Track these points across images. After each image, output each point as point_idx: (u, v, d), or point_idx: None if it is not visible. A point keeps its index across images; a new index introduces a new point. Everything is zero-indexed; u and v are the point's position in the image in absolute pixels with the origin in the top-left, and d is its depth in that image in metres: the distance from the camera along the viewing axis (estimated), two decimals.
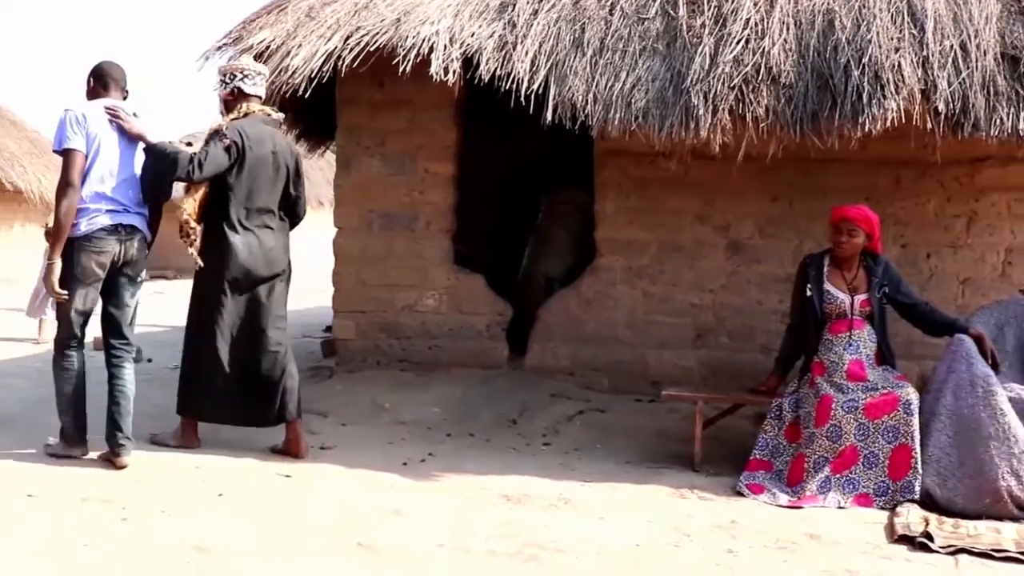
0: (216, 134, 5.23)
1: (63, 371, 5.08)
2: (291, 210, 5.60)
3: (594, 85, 5.90)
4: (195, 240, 5.19)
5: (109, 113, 5.02)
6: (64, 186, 4.87)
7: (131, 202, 5.07)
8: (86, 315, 5.06)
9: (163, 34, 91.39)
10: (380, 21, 6.29)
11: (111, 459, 5.05)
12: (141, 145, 5.14)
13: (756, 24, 5.89)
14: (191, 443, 5.43)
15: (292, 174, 5.51)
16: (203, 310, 5.35)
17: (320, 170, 25.38)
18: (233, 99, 5.44)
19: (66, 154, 4.89)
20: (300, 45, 6.31)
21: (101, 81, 5.20)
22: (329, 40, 6.29)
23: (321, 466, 5.25)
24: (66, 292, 4.89)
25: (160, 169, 5.10)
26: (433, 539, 4.09)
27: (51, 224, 4.94)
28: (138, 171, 5.12)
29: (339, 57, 6.23)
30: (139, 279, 5.19)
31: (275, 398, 5.38)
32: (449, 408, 6.53)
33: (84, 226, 4.90)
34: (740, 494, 4.96)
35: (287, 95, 6.40)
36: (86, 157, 4.91)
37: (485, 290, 7.30)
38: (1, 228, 17.39)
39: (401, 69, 6.04)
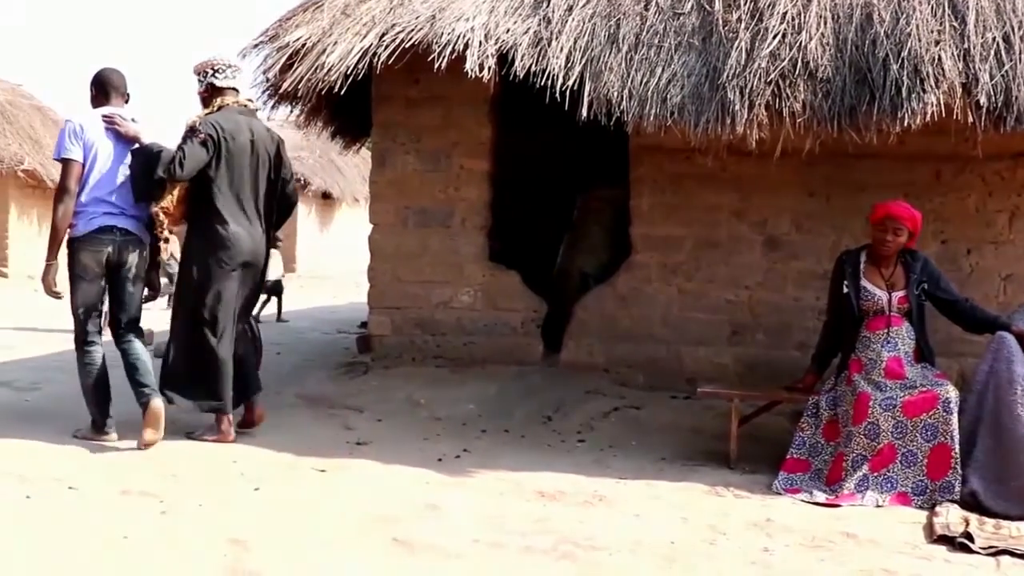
0: (191, 131, 5.34)
1: (85, 366, 5.38)
2: (281, 194, 5.74)
3: (629, 81, 5.88)
4: (164, 231, 5.43)
5: (106, 121, 5.30)
6: (61, 192, 5.22)
7: (127, 206, 5.34)
8: (91, 309, 5.33)
9: (200, 33, 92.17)
10: (415, 18, 6.30)
11: (144, 417, 5.25)
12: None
13: (793, 18, 5.84)
14: (226, 438, 5.53)
15: (273, 159, 5.62)
16: (193, 296, 5.47)
17: (355, 167, 25.55)
18: (208, 95, 5.58)
19: (64, 163, 5.24)
20: (336, 42, 6.34)
21: (102, 89, 5.47)
22: (365, 37, 6.31)
23: (356, 461, 5.27)
24: (60, 292, 5.31)
25: (146, 168, 5.28)
26: (468, 535, 4.10)
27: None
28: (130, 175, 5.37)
29: (375, 54, 6.25)
30: (139, 276, 5.41)
31: (250, 377, 5.72)
32: (484, 404, 6.54)
33: (82, 227, 5.23)
34: (776, 493, 4.93)
35: (323, 92, 6.44)
36: (83, 165, 5.22)
37: (520, 286, 7.30)
38: (45, 223, 17.65)
39: (436, 66, 6.05)
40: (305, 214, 24.95)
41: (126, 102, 5.53)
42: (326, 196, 25.27)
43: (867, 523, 4.47)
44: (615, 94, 5.85)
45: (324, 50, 6.34)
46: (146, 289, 5.55)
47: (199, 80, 5.63)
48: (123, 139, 5.33)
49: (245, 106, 5.63)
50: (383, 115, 7.43)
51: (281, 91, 6.85)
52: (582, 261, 7.97)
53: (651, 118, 5.77)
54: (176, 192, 5.38)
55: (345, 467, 5.16)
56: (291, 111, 8.02)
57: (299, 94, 6.64)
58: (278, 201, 5.74)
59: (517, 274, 7.34)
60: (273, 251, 14.80)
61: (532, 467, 5.26)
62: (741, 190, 6.94)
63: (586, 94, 5.87)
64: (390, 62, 6.23)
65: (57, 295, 5.34)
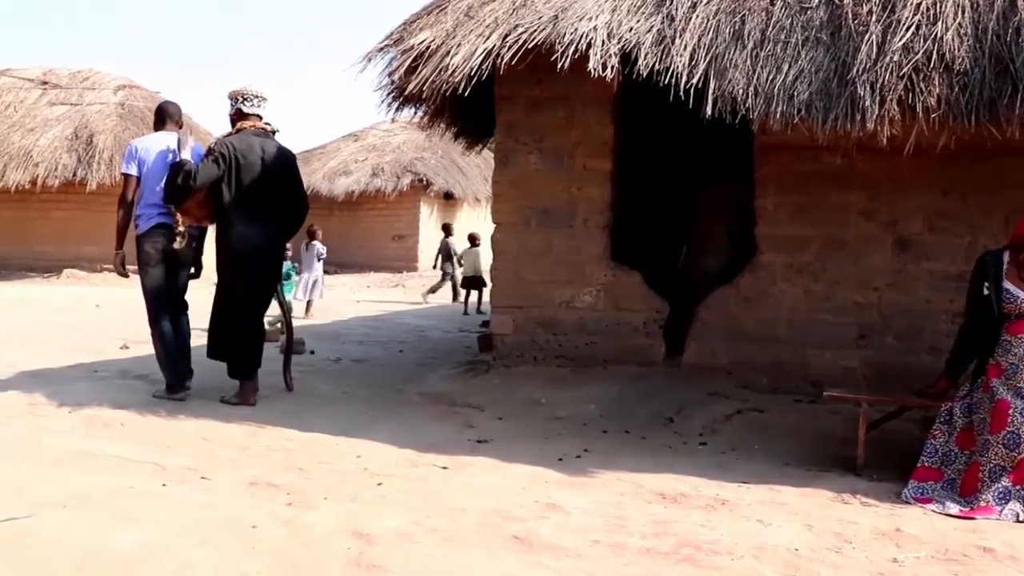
0: (209, 151, 6.56)
1: (158, 338, 6.61)
2: (295, 201, 6.77)
3: (755, 78, 5.78)
4: (179, 226, 6.57)
5: (172, 148, 6.55)
6: (120, 200, 6.66)
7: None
8: (159, 289, 6.58)
9: (327, 38, 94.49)
10: (538, 18, 6.33)
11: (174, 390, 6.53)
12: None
13: (927, 9, 5.63)
14: (247, 400, 6.47)
15: (285, 175, 6.68)
16: (218, 284, 6.64)
17: (477, 167, 25.81)
18: (236, 117, 6.69)
19: (124, 178, 6.72)
20: (460, 44, 6.41)
21: (160, 117, 6.95)
22: (488, 38, 6.37)
23: (477, 459, 5.33)
24: (128, 273, 6.68)
25: (174, 177, 6.44)
26: (587, 535, 4.10)
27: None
28: None
29: (498, 55, 6.29)
30: (187, 261, 6.71)
31: (255, 355, 6.65)
32: (605, 405, 6.53)
33: (143, 226, 6.58)
34: (906, 502, 4.76)
35: (447, 94, 6.52)
36: (139, 179, 6.59)
37: (642, 287, 7.25)
38: None
39: (559, 66, 6.05)
40: (427, 214, 25.33)
41: (179, 127, 6.87)
42: (448, 196, 25.59)
43: (1006, 537, 4.27)
44: (740, 91, 5.76)
45: (448, 52, 6.42)
46: (192, 269, 6.84)
47: (231, 103, 6.72)
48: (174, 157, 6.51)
49: (263, 129, 6.67)
50: (506, 115, 7.49)
51: (406, 93, 6.96)
52: (705, 261, 7.88)
53: (777, 115, 5.66)
54: (195, 196, 6.47)
55: (466, 464, 5.22)
56: (415, 113, 8.15)
57: (423, 96, 6.75)
58: (290, 207, 6.72)
59: (639, 274, 7.29)
60: (475, 249, 15.49)
61: (653, 469, 5.22)
62: (870, 188, 6.73)
63: (710, 92, 5.79)
64: (513, 63, 6.26)
65: (125, 275, 6.76)
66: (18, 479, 4.59)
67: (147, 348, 7.15)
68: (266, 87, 6.70)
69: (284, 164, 6.68)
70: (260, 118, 6.69)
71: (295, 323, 9.98)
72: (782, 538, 4.15)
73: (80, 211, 18.65)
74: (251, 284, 6.58)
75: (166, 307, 6.62)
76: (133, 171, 6.61)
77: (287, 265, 11.77)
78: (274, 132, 6.77)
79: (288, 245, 11.20)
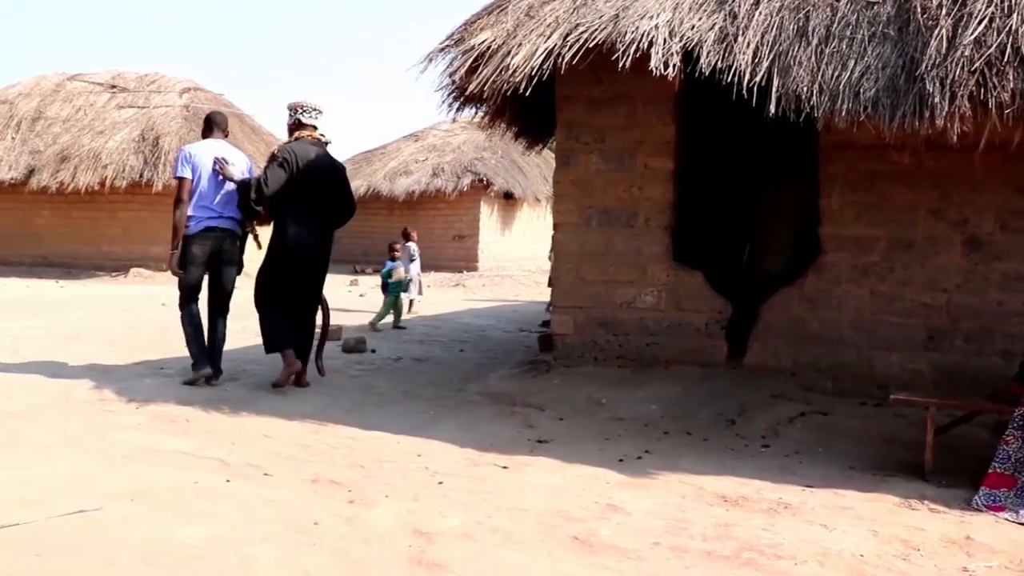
0: (273, 157, 7.10)
1: (187, 321, 7.13)
2: (342, 206, 7.28)
3: (820, 75, 5.68)
4: (251, 230, 7.33)
5: (215, 162, 7.09)
6: (176, 202, 7.11)
7: (223, 211, 7.14)
8: (196, 284, 7.14)
9: (386, 39, 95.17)
10: (599, 17, 6.29)
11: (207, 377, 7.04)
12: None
13: (1001, 0, 5.49)
14: (292, 370, 6.93)
15: (334, 181, 7.21)
16: (271, 278, 7.07)
17: (537, 167, 25.81)
18: (294, 127, 7.22)
19: (178, 181, 7.17)
20: (520, 44, 6.40)
21: (209, 126, 7.52)
22: (549, 38, 6.35)
23: (538, 459, 5.32)
24: (183, 271, 7.05)
25: (246, 195, 7.07)
26: (648, 537, 4.07)
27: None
28: (228, 189, 7.13)
29: (558, 55, 6.27)
30: (233, 261, 7.22)
31: (310, 341, 7.21)
32: (666, 406, 6.47)
33: (193, 227, 7.05)
34: (976, 509, 4.64)
35: (507, 93, 6.52)
36: (192, 182, 7.06)
37: (704, 287, 7.19)
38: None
39: (620, 65, 6.02)
40: (487, 214, 25.38)
41: (225, 136, 7.50)
42: (508, 196, 25.62)
43: None
44: (804, 89, 5.67)
45: (509, 52, 6.41)
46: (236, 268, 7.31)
47: (290, 114, 7.25)
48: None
49: (317, 140, 7.19)
50: (567, 115, 7.47)
51: (466, 93, 6.97)
52: (768, 261, 7.78)
53: (843, 113, 5.56)
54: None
55: (526, 464, 5.21)
56: (475, 113, 8.16)
57: (484, 96, 6.75)
58: (338, 210, 7.24)
59: (701, 274, 7.22)
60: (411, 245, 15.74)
61: (715, 471, 5.17)
62: (940, 187, 6.59)
63: (774, 90, 5.71)
64: (574, 62, 6.23)
65: (178, 273, 7.10)
66: (88, 472, 4.69)
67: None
68: (322, 101, 7.29)
69: (335, 171, 7.27)
70: (316, 129, 7.23)
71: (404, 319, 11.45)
72: (847, 544, 4.07)
73: (146, 211, 19.00)
74: (301, 278, 7.05)
75: (197, 296, 7.18)
76: (187, 174, 7.09)
77: (389, 264, 12.08)
78: (327, 143, 7.29)
79: (396, 247, 12.56)
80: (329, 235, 7.30)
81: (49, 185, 18.98)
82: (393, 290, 11.91)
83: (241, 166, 7.28)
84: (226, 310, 7.28)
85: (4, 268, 19.58)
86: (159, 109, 19.83)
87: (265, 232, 7.34)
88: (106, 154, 18.95)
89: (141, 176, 18.49)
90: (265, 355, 7.32)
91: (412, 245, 14.06)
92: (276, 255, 7.07)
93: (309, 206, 6.99)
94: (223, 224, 7.14)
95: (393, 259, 12.32)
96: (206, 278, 7.23)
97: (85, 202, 19.38)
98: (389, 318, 11.74)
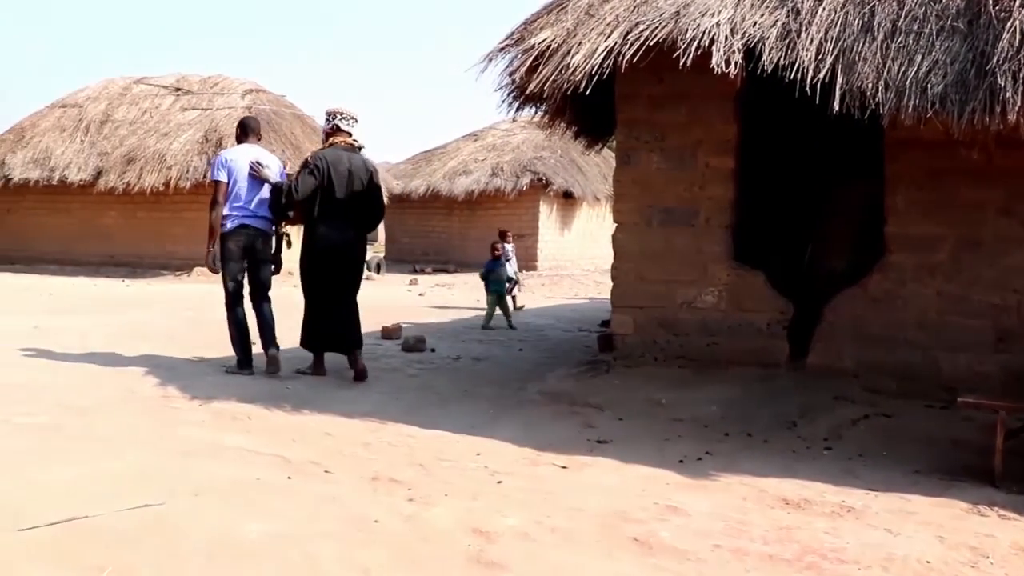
0: (304, 163, 7.47)
1: (233, 322, 7.61)
2: (372, 209, 7.61)
3: (885, 71, 5.58)
4: (282, 232, 7.83)
5: (251, 166, 7.54)
6: (212, 203, 7.58)
7: (256, 210, 7.61)
8: (237, 281, 7.56)
9: (446, 39, 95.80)
10: (659, 15, 6.24)
11: (270, 364, 7.46)
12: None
13: None
14: (319, 371, 7.53)
15: (367, 185, 7.48)
16: (304, 276, 7.51)
17: (596, 166, 25.72)
18: (330, 132, 7.59)
19: (215, 183, 7.63)
20: (580, 43, 6.37)
21: (243, 131, 7.99)
22: (609, 36, 6.31)
23: (597, 459, 5.29)
24: (218, 268, 7.53)
25: (278, 198, 7.53)
26: (708, 539, 4.03)
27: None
28: (261, 192, 7.59)
29: (619, 53, 6.22)
30: (267, 259, 7.69)
31: (348, 335, 7.48)
32: (727, 407, 6.41)
33: (229, 225, 7.54)
34: None
35: (567, 92, 6.49)
36: (228, 185, 7.51)
37: (766, 287, 7.10)
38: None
39: (681, 62, 5.96)
40: (546, 214, 25.37)
41: (258, 140, 8.01)
42: (567, 195, 25.57)
43: None
44: (869, 86, 5.57)
45: (569, 51, 6.38)
46: (272, 267, 7.77)
47: (328, 119, 7.64)
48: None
49: (351, 145, 7.55)
50: (627, 114, 7.43)
51: (526, 93, 6.96)
52: (831, 261, 7.66)
53: (909, 110, 5.45)
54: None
55: (585, 464, 5.19)
56: (534, 112, 8.15)
57: (543, 95, 6.74)
58: (368, 213, 7.56)
59: (762, 274, 7.14)
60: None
61: (776, 473, 5.10)
62: (1010, 185, 6.42)
63: (838, 87, 5.61)
64: (634, 60, 6.19)
65: (215, 269, 7.59)
66: (152, 467, 4.77)
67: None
68: (358, 109, 7.69)
69: (367, 176, 7.52)
70: (350, 135, 7.59)
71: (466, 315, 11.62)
72: (912, 549, 3.99)
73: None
74: (332, 277, 7.40)
75: (242, 296, 7.60)
76: (223, 177, 7.57)
77: (489, 265, 12.30)
78: (360, 148, 7.63)
79: (497, 247, 13.03)
80: (361, 236, 7.62)
81: (116, 186, 19.36)
82: (495, 289, 12.12)
83: (275, 168, 7.72)
84: (267, 297, 7.73)
85: (73, 267, 20.05)
86: (222, 111, 20.13)
87: (297, 233, 7.76)
88: (171, 155, 19.29)
89: (204, 177, 18.75)
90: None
91: (508, 246, 14.32)
92: (306, 255, 7.46)
93: (339, 209, 7.33)
94: (256, 224, 7.60)
95: (496, 259, 12.58)
96: (245, 277, 7.69)
97: (150, 203, 19.74)
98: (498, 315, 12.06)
